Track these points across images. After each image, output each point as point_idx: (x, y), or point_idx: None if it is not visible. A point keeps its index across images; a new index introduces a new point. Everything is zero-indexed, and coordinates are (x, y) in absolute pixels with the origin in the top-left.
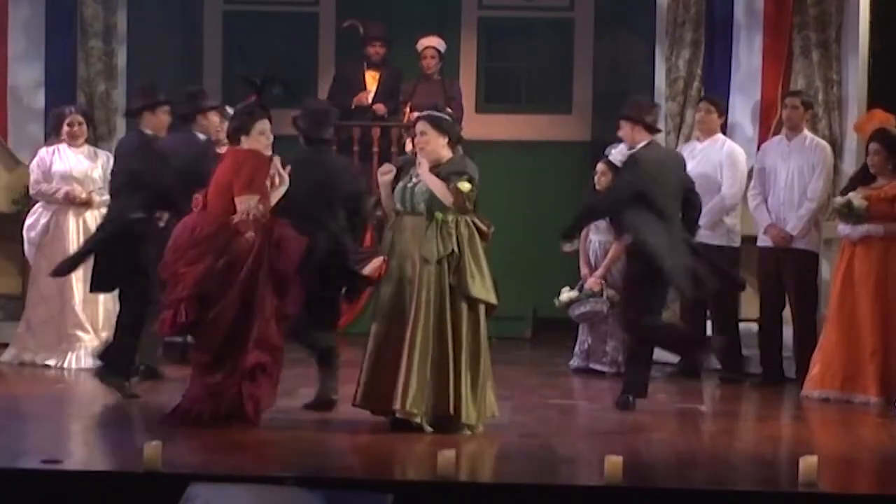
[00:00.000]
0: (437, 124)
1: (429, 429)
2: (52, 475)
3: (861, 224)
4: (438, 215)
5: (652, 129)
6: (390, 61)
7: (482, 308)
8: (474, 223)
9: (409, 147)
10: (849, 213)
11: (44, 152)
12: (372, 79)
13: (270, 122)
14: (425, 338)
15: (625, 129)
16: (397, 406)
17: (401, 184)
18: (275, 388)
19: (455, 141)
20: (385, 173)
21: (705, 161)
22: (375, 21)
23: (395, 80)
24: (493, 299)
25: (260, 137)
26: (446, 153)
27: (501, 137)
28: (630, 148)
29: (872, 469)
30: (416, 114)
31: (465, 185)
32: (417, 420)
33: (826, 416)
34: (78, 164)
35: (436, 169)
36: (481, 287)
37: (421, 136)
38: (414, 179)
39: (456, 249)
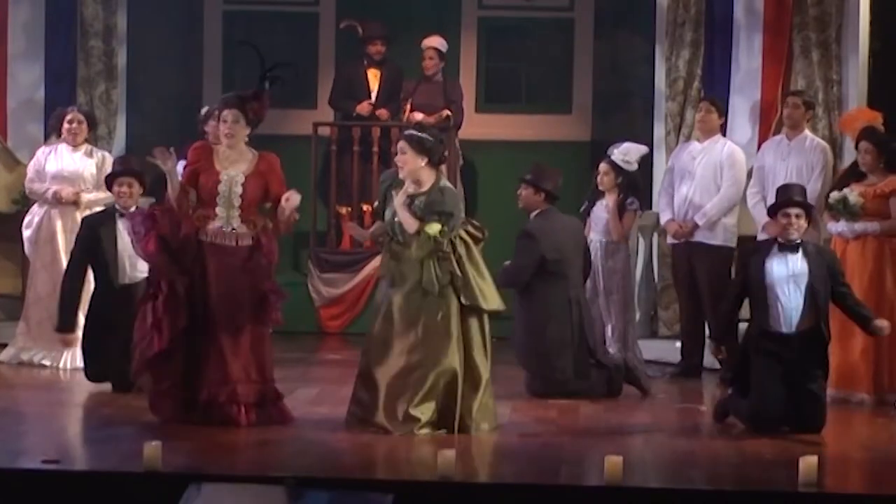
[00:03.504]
0: (417, 144)
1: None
2: (52, 475)
3: (856, 221)
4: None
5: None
6: (390, 60)
7: (486, 315)
8: (468, 232)
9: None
10: (844, 210)
11: (40, 152)
12: (374, 77)
13: (244, 111)
14: (434, 358)
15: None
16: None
17: (388, 213)
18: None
19: (436, 162)
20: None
21: (706, 161)
22: (375, 20)
23: (397, 79)
24: (501, 304)
25: (221, 124)
26: (426, 174)
27: (501, 137)
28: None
29: (872, 469)
30: (415, 114)
31: (432, 229)
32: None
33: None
34: (71, 163)
35: (418, 197)
36: (491, 297)
37: (400, 155)
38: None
39: (458, 272)
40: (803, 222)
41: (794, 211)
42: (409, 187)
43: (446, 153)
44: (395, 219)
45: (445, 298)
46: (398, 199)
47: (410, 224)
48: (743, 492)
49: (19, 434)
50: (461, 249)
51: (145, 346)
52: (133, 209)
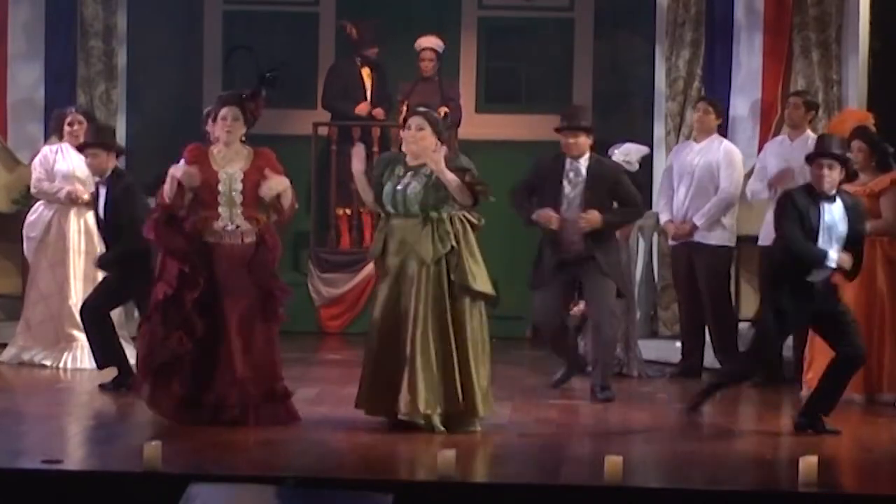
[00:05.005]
0: (435, 123)
1: (441, 428)
2: (52, 475)
3: None
4: (434, 214)
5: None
6: (382, 60)
7: (482, 302)
8: (466, 217)
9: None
10: None
11: (47, 150)
12: (367, 77)
13: (243, 110)
14: (425, 338)
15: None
16: (405, 410)
17: (388, 187)
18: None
19: (442, 143)
20: (358, 158)
21: (703, 162)
22: (371, 20)
23: (386, 80)
24: (491, 290)
25: (220, 122)
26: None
27: (501, 137)
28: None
29: (873, 469)
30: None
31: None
32: (428, 421)
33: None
34: (81, 163)
35: (423, 167)
36: (481, 280)
37: (418, 131)
38: (403, 182)
39: (455, 245)
40: (836, 174)
41: (826, 161)
42: (416, 161)
43: (459, 133)
44: (398, 193)
45: (440, 275)
46: (441, 164)
47: (452, 179)
48: (743, 492)
49: (19, 434)
50: (458, 226)
51: (157, 356)
52: (105, 177)
